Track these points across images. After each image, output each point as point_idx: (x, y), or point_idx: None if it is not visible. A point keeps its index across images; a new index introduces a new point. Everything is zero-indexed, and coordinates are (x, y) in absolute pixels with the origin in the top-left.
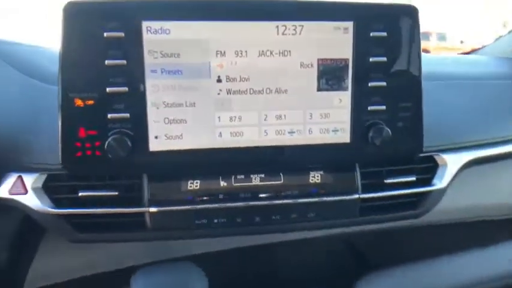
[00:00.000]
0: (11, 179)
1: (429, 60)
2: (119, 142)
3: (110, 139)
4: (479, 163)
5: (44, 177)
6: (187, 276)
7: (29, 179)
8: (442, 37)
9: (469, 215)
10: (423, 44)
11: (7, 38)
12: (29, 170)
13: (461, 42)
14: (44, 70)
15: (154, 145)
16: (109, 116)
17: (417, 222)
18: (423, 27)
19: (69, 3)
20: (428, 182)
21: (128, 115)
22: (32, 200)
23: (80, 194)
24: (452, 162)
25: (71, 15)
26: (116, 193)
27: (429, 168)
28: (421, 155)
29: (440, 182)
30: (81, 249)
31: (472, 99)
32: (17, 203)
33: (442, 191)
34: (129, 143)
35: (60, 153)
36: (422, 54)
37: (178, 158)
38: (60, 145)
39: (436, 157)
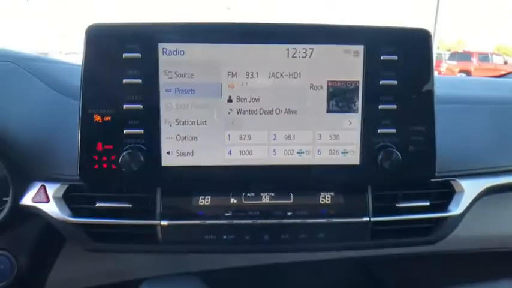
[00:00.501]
0: (35, 188)
1: (451, 83)
2: (132, 156)
3: (124, 153)
4: (498, 191)
5: (65, 187)
6: None
7: (52, 189)
8: (484, 58)
9: (489, 245)
10: (465, 65)
11: (35, 54)
12: (52, 180)
13: (505, 62)
14: (69, 85)
15: (166, 160)
16: (125, 131)
17: (434, 249)
18: (466, 47)
19: (91, 26)
20: (443, 208)
21: (142, 131)
22: (52, 209)
23: (96, 204)
24: (469, 189)
25: (92, 37)
26: (130, 205)
27: (445, 194)
28: (437, 180)
29: (456, 208)
30: (98, 259)
31: (493, 124)
32: (39, 211)
33: (458, 218)
34: (141, 157)
35: (78, 166)
36: (444, 76)
37: (189, 174)
38: (78, 158)
39: (452, 183)
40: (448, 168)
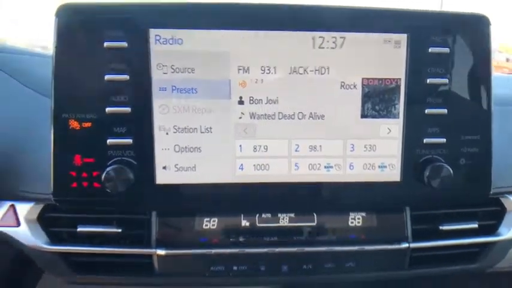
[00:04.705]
0: (1, 209)
1: (497, 81)
2: (118, 173)
3: (108, 169)
4: None
5: (40, 207)
6: None
7: (23, 210)
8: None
9: None
10: None
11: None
12: (23, 198)
13: (507, 60)
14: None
15: (161, 177)
16: (109, 141)
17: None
18: None
19: (63, 6)
20: (492, 230)
21: (130, 141)
22: (24, 234)
23: (78, 229)
24: None
25: (65, 20)
26: (119, 230)
27: (494, 213)
28: None
29: (508, 231)
30: None
31: None
32: (7, 237)
33: (510, 243)
34: (130, 174)
35: (51, 184)
36: None
37: (190, 194)
38: (52, 174)
39: (503, 200)
40: (496, 182)
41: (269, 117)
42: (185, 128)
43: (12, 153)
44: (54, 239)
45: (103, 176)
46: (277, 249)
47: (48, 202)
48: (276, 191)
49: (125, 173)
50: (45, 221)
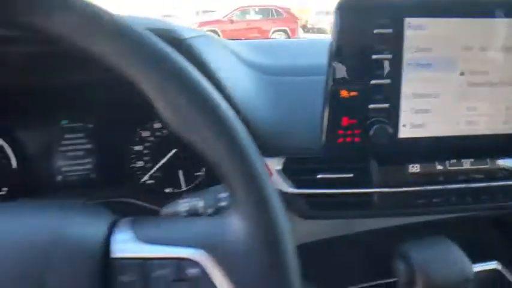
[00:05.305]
0: None
1: None
2: (382, 131)
3: (374, 127)
4: None
5: (282, 161)
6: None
7: (271, 163)
8: None
9: None
10: None
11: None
12: (265, 154)
13: None
14: (256, 63)
15: (402, 133)
16: (370, 106)
17: None
18: None
19: (343, 1)
20: None
21: (387, 105)
22: (276, 181)
23: (319, 176)
24: None
25: (344, 12)
26: (351, 175)
27: None
28: None
29: None
30: None
31: None
32: None
33: None
34: (390, 131)
35: (323, 140)
36: None
37: (418, 145)
38: (324, 133)
39: None
40: None
41: (480, 85)
42: (421, 94)
43: (262, 120)
44: (296, 184)
45: (371, 132)
46: (464, 185)
47: (288, 156)
48: (481, 140)
49: (385, 131)
50: (286, 171)
